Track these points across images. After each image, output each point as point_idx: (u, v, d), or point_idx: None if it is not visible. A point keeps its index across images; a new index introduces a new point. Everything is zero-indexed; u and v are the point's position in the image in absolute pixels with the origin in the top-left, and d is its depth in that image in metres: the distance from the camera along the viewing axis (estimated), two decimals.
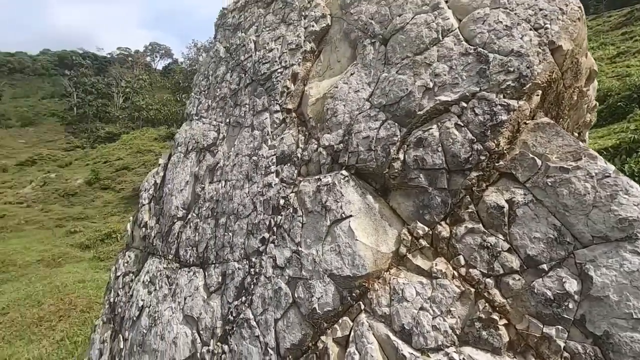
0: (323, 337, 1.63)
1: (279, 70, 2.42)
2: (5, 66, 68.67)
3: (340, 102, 1.95)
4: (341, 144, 1.87)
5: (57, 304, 4.94)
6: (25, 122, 46.23)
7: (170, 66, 54.60)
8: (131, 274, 3.15)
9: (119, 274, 3.28)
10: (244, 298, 2.02)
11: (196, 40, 58.66)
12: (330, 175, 1.84)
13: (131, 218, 3.47)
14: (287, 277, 1.84)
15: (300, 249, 1.83)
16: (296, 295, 1.77)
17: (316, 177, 1.93)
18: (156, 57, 64.55)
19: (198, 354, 2.14)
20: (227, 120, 2.76)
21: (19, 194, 18.80)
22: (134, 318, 2.74)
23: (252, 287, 2.00)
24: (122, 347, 2.78)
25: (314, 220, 1.82)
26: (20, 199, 18.04)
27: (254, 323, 1.91)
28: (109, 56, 67.56)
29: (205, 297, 2.28)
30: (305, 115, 2.16)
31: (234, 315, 2.03)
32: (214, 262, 2.33)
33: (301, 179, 2.00)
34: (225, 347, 2.00)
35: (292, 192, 2.01)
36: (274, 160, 2.20)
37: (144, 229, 3.21)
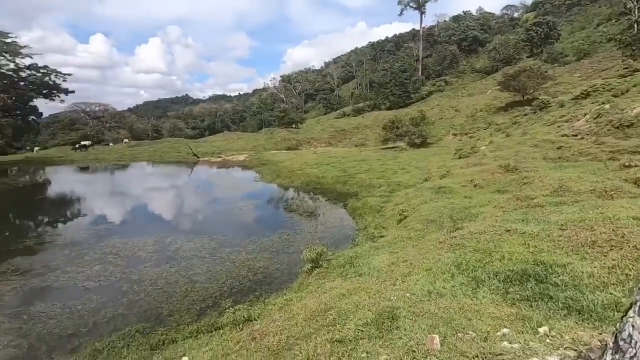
0: None
1: None
2: (564, 4, 72.17)
3: None
4: None
5: (608, 233, 5.13)
6: (580, 55, 47.16)
7: None
8: None
9: None
10: None
11: None
12: None
13: None
14: None
15: None
16: None
17: None
18: None
19: None
20: None
21: (574, 127, 20.18)
22: None
23: None
24: None
25: None
26: (574, 131, 19.36)
27: None
28: None
29: None
30: None
31: None
32: None
33: None
34: None
35: None
36: None
37: None
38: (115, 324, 7.40)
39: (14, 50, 49.58)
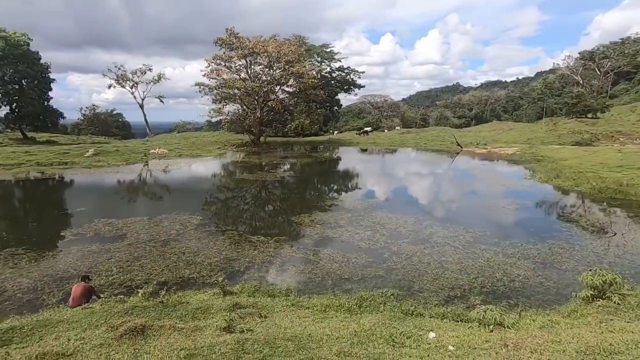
0: None
1: None
2: None
3: None
4: None
5: None
6: None
7: None
8: None
9: None
10: None
11: None
12: None
13: None
14: None
15: None
16: None
17: None
18: None
19: None
20: None
21: None
22: None
23: None
24: None
25: None
26: None
27: None
28: None
29: None
30: None
31: None
32: None
33: None
34: None
35: None
36: None
37: None
38: (377, 282, 8.88)
39: (330, 56, 65.52)
